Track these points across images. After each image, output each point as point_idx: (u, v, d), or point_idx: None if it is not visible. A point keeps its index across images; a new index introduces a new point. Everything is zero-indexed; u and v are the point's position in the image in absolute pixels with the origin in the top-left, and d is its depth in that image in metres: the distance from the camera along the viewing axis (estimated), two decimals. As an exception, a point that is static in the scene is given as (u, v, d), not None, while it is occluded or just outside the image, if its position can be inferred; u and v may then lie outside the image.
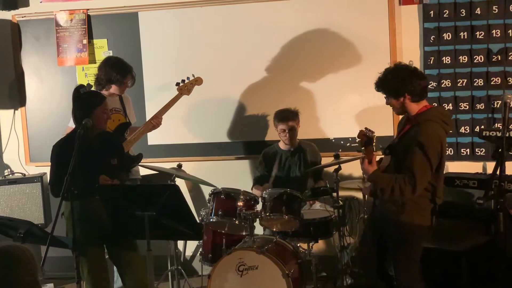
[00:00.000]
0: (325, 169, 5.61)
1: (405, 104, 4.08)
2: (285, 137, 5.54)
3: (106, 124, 4.56)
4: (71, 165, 3.92)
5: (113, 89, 5.32)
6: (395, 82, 4.06)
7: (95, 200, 4.27)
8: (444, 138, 4.04)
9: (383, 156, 4.30)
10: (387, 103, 4.21)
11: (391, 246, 4.20)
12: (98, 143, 4.49)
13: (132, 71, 5.36)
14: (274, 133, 5.73)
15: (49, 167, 4.51)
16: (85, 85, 4.58)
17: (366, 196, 5.15)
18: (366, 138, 4.13)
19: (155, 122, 5.28)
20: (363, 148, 4.13)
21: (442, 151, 4.00)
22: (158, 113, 5.30)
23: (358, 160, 4.33)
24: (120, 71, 5.28)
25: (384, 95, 4.18)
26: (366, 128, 4.17)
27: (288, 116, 5.53)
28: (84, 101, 4.43)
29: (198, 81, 5.39)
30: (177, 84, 5.34)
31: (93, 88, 5.48)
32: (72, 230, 4.18)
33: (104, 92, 5.32)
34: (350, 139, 5.74)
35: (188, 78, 5.35)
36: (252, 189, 5.62)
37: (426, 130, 3.96)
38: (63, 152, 4.37)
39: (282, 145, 5.67)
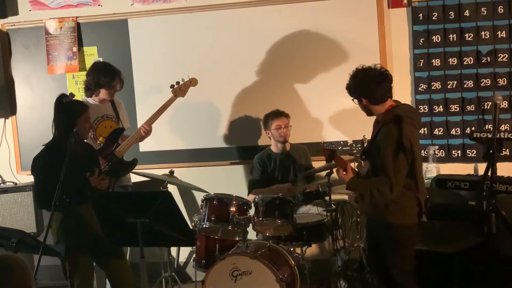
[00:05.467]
0: (317, 173, 5.62)
1: (367, 106, 4.16)
2: (281, 133, 5.53)
3: (88, 134, 4.56)
4: (62, 173, 3.91)
5: (103, 93, 5.30)
6: (353, 84, 4.15)
7: (82, 209, 4.28)
8: (412, 134, 4.06)
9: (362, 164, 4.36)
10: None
11: (382, 247, 4.22)
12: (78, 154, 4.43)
13: (120, 74, 5.34)
14: (267, 138, 5.74)
15: (34, 181, 4.51)
16: (68, 94, 4.56)
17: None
18: (328, 152, 4.23)
19: (146, 130, 5.24)
20: (331, 162, 4.24)
21: (412, 147, 4.01)
22: (152, 117, 5.26)
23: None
24: (108, 74, 5.27)
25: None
26: (323, 143, 4.32)
27: (281, 112, 5.56)
28: (68, 109, 4.42)
29: (193, 82, 5.36)
30: (172, 86, 5.32)
31: (82, 95, 5.49)
32: (61, 241, 4.20)
33: (94, 97, 5.32)
34: (341, 142, 5.74)
35: (182, 79, 5.34)
36: (248, 195, 5.60)
37: (394, 129, 3.98)
38: (47, 164, 4.36)
39: (274, 149, 5.67)
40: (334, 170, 4.31)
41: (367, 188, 3.99)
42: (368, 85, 4.09)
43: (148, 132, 5.25)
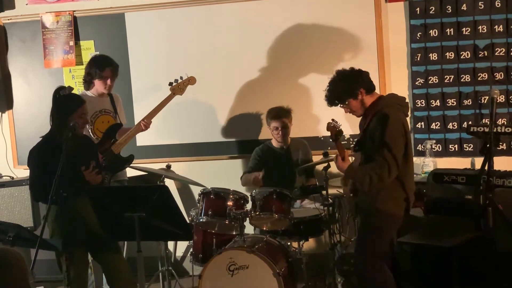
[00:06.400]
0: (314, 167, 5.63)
1: (363, 100, 4.22)
2: (278, 134, 5.55)
3: (82, 130, 4.52)
4: (59, 167, 3.90)
5: (97, 85, 5.27)
6: (347, 83, 4.21)
7: (78, 203, 4.27)
8: (405, 120, 4.19)
9: (353, 156, 4.39)
10: (347, 111, 4.35)
11: (358, 231, 4.30)
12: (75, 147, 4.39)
13: (112, 63, 5.29)
14: (267, 132, 5.73)
15: (29, 173, 4.51)
16: (66, 87, 4.52)
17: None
18: (336, 131, 4.25)
19: (145, 124, 5.24)
20: (334, 141, 4.27)
21: (406, 133, 4.12)
22: (149, 114, 5.26)
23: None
24: (99, 65, 5.24)
25: (342, 105, 4.30)
26: (333, 120, 4.31)
27: (280, 114, 5.54)
28: (62, 104, 4.39)
29: (191, 80, 5.36)
30: (170, 84, 5.31)
31: (82, 89, 5.47)
32: (56, 234, 4.20)
33: (92, 90, 5.30)
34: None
35: (181, 77, 5.33)
36: (241, 178, 5.69)
37: (386, 116, 4.06)
38: (42, 157, 4.35)
39: (274, 143, 5.67)
40: (334, 159, 4.33)
41: (366, 173, 4.04)
42: (360, 74, 4.23)
43: (147, 126, 5.25)
